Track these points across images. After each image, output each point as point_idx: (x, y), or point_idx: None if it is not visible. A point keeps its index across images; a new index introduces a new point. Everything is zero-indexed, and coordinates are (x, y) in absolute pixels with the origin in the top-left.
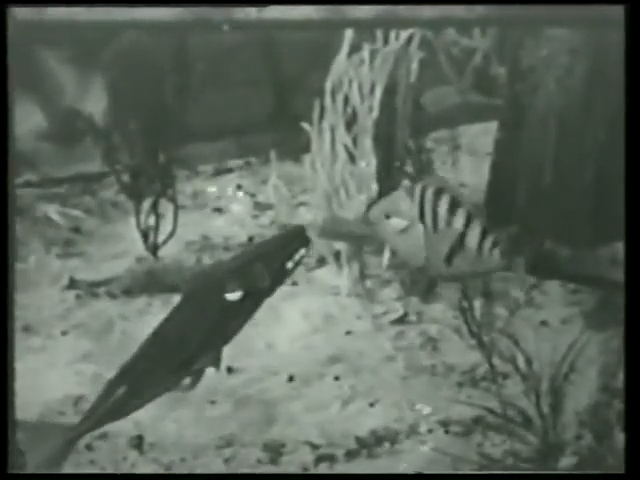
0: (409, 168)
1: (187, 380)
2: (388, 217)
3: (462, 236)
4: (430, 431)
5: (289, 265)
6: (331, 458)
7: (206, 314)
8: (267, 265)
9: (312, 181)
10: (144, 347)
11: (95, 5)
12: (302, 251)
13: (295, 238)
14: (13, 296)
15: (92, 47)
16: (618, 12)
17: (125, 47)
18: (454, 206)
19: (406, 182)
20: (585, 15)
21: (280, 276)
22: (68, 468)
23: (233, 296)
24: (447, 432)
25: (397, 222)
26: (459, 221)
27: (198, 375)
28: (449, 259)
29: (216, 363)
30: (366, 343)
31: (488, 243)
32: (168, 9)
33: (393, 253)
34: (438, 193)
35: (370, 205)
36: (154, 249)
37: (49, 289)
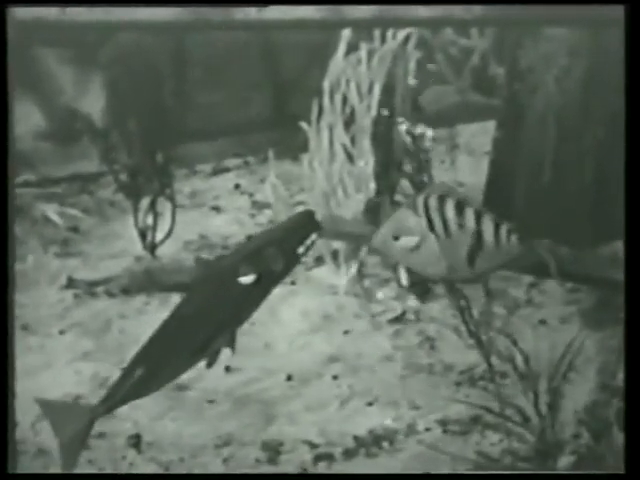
0: (407, 167)
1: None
2: (397, 238)
3: (478, 234)
4: (428, 430)
5: (300, 250)
6: (329, 457)
7: (221, 297)
8: (280, 249)
9: (310, 180)
10: (162, 329)
11: (94, 5)
12: (313, 236)
13: (305, 223)
14: (13, 296)
15: (90, 47)
16: (618, 12)
17: (123, 47)
18: (461, 208)
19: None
20: (585, 15)
21: (292, 261)
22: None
23: (246, 279)
24: (445, 431)
25: (407, 240)
26: (470, 221)
27: (214, 356)
28: (471, 260)
29: (231, 344)
30: (364, 342)
31: (504, 233)
32: (167, 9)
33: (409, 270)
34: (442, 199)
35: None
36: (152, 248)
37: (47, 288)
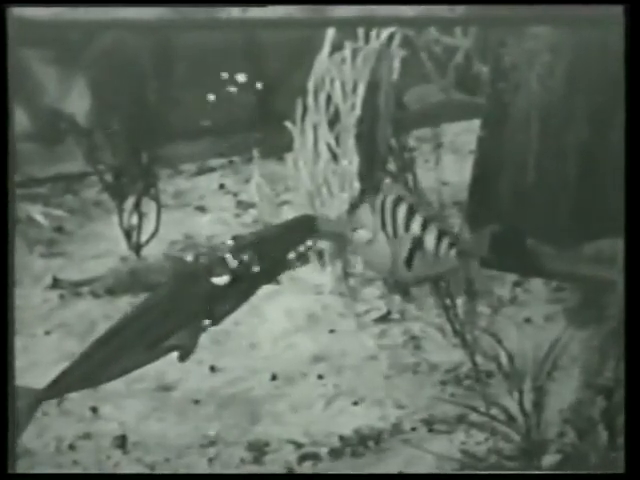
0: (392, 166)
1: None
2: (354, 230)
3: (420, 239)
4: (414, 429)
5: (291, 256)
6: (315, 457)
7: (190, 295)
8: (259, 252)
9: (295, 180)
10: (122, 321)
11: (85, 5)
12: (308, 243)
13: (301, 228)
14: (13, 296)
15: (74, 46)
16: (618, 12)
17: (108, 46)
18: (411, 213)
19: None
20: (585, 15)
21: (279, 265)
22: (50, 469)
23: (220, 280)
24: (431, 430)
25: (362, 234)
26: (416, 226)
27: (189, 348)
28: (409, 262)
29: (192, 343)
30: (349, 342)
31: (444, 244)
32: (151, 9)
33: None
34: (397, 202)
35: (351, 206)
36: (137, 248)
37: (32, 289)
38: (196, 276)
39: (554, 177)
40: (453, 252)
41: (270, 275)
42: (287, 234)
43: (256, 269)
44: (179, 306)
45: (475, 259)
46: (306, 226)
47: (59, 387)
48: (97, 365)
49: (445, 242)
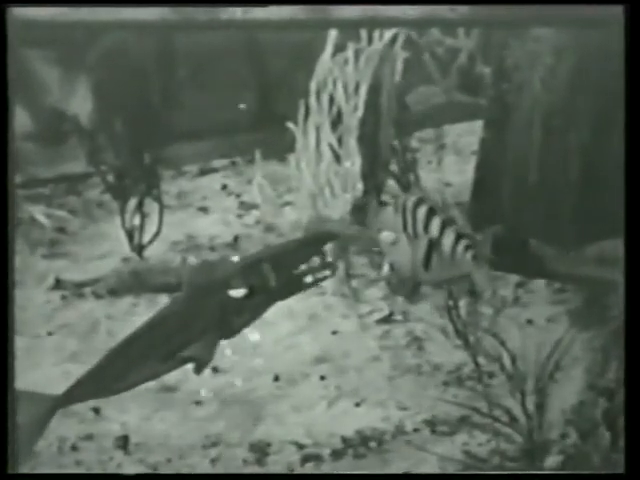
0: (394, 167)
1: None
2: (380, 231)
3: (437, 241)
4: (416, 430)
5: (303, 268)
6: (317, 458)
7: (207, 307)
8: (276, 266)
9: (297, 181)
10: (138, 332)
11: (87, 5)
12: (328, 259)
13: (319, 243)
14: (13, 296)
15: (77, 47)
16: (618, 12)
17: (110, 47)
18: (431, 214)
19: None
20: (585, 15)
21: (293, 280)
22: (53, 469)
23: (237, 293)
24: (433, 432)
25: (387, 235)
26: (434, 228)
27: (205, 359)
28: (426, 263)
29: (209, 355)
30: (352, 343)
31: (461, 247)
32: (154, 9)
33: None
34: (417, 203)
35: (355, 206)
36: (139, 249)
37: (35, 290)
38: (213, 288)
39: (556, 178)
40: (469, 255)
41: (286, 290)
42: (305, 249)
43: (272, 283)
44: (195, 317)
45: (484, 267)
46: (326, 241)
47: (74, 395)
48: (113, 375)
49: (462, 245)
